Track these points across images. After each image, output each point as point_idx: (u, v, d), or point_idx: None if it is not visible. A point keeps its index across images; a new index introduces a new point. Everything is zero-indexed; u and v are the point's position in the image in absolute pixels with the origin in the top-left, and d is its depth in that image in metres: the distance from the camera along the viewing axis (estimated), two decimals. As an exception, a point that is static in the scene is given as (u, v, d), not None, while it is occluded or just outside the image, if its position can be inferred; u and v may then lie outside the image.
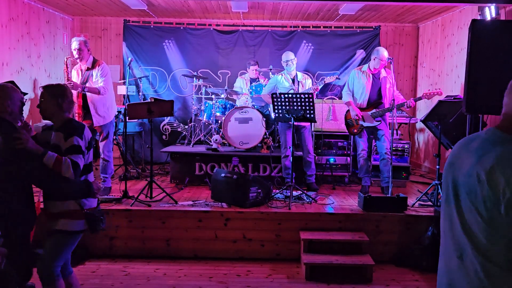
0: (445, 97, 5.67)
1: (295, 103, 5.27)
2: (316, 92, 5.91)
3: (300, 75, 5.99)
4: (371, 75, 5.55)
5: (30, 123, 6.80)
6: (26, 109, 6.71)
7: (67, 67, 5.17)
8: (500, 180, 1.36)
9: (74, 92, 5.20)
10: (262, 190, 5.03)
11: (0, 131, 2.92)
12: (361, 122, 5.58)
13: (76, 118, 5.25)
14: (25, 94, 3.68)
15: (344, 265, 4.39)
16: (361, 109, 5.59)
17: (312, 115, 5.30)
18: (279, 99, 5.32)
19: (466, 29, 5.33)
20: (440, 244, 1.64)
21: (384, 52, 5.46)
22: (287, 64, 5.89)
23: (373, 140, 5.97)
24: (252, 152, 6.23)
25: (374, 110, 5.52)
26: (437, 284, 1.67)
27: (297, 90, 5.82)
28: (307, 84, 5.95)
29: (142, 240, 4.81)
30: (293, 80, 5.91)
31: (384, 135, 5.55)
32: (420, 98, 5.36)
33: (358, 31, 8.21)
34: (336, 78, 5.99)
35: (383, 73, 5.59)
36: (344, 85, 5.94)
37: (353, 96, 5.68)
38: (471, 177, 1.44)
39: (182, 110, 8.22)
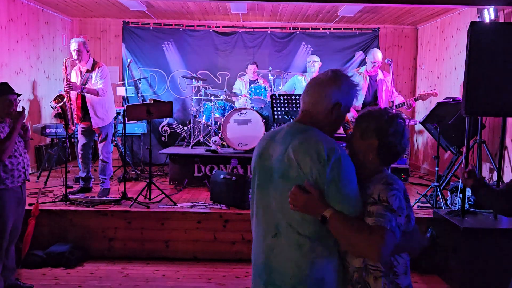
0: (444, 99, 5.67)
1: (294, 105, 5.28)
2: None
3: None
4: (367, 77, 5.57)
5: (29, 124, 6.82)
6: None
7: (66, 68, 5.17)
8: (306, 160, 1.62)
9: (73, 93, 5.21)
10: (261, 191, 5.02)
11: None
12: (357, 125, 5.58)
13: (75, 120, 5.25)
14: (19, 95, 3.66)
15: (343, 267, 4.37)
16: (357, 111, 5.60)
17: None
18: (278, 101, 5.32)
19: (465, 31, 5.35)
20: (256, 228, 1.82)
21: (376, 53, 5.48)
22: (308, 65, 5.93)
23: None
24: (251, 154, 6.21)
25: (370, 112, 5.53)
26: (252, 265, 1.84)
27: None
28: None
29: (141, 241, 4.80)
30: None
31: None
32: (417, 99, 5.38)
33: (357, 33, 8.22)
34: None
35: (380, 75, 5.61)
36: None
37: None
38: (282, 163, 1.68)
39: (181, 112, 8.22)
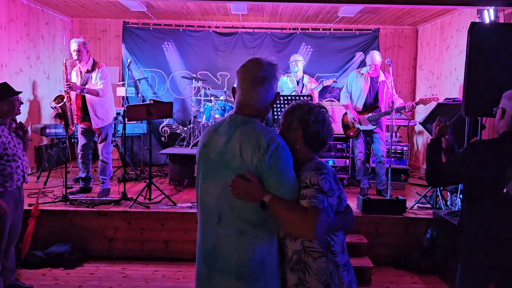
0: (444, 99, 5.67)
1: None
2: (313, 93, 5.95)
3: (306, 78, 6.03)
4: (369, 78, 5.56)
5: (29, 125, 6.81)
6: (24, 111, 6.71)
7: (66, 69, 5.16)
8: (248, 150, 1.75)
9: (73, 94, 5.20)
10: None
11: None
12: (357, 125, 5.58)
13: (75, 120, 5.25)
14: (16, 93, 3.65)
15: (343, 268, 4.37)
16: (358, 112, 5.59)
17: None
18: (278, 101, 5.32)
19: (465, 31, 5.35)
20: (201, 216, 1.92)
21: (373, 56, 5.48)
22: (291, 65, 5.95)
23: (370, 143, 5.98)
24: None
25: (370, 114, 5.52)
26: (197, 251, 1.94)
27: (300, 92, 5.84)
28: (310, 88, 5.97)
29: (141, 242, 4.80)
30: (298, 82, 5.94)
31: (380, 137, 5.56)
32: (418, 103, 5.39)
33: (357, 33, 8.22)
34: (334, 82, 6.06)
35: (381, 77, 5.60)
36: (343, 87, 5.96)
37: (350, 98, 5.69)
38: (225, 154, 1.80)
39: (181, 112, 8.22)
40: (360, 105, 5.60)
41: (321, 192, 1.76)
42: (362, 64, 7.99)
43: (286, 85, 5.95)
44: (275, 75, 1.90)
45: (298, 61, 5.94)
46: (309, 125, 1.91)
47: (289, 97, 5.32)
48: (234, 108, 1.94)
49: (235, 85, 1.95)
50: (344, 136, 6.04)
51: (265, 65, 1.88)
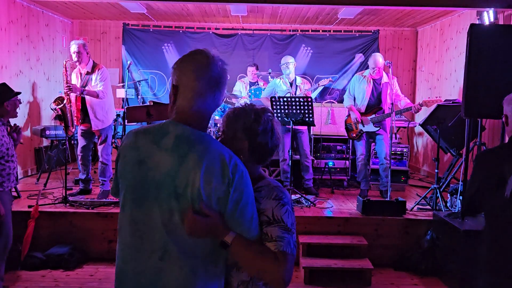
0: (444, 101, 5.68)
1: (294, 107, 5.28)
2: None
3: (299, 79, 6.01)
4: (371, 80, 5.56)
5: (29, 126, 6.81)
6: (24, 112, 6.71)
7: (66, 70, 5.17)
8: (211, 180, 1.45)
9: (73, 95, 5.20)
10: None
11: None
12: (360, 127, 5.58)
13: (75, 122, 5.25)
14: (18, 93, 3.65)
15: (343, 269, 4.38)
16: (360, 113, 5.59)
17: (311, 119, 5.30)
18: (278, 103, 5.32)
19: (464, 33, 5.36)
20: (132, 246, 1.64)
21: (376, 59, 5.48)
22: (282, 68, 5.94)
23: (372, 144, 5.97)
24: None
25: (373, 116, 5.52)
26: (128, 285, 1.69)
27: (294, 94, 5.84)
28: (304, 89, 5.97)
29: (140, 243, 4.79)
30: (291, 84, 5.93)
31: (383, 139, 5.55)
32: (421, 105, 5.39)
33: (357, 35, 8.24)
34: (330, 81, 6.05)
35: (385, 78, 5.59)
36: (343, 89, 5.96)
37: (354, 101, 5.68)
38: (178, 179, 1.46)
39: (181, 114, 8.21)
40: (362, 107, 5.60)
41: (287, 230, 1.58)
42: (362, 65, 8.01)
43: (279, 87, 5.93)
44: (226, 74, 1.61)
45: (290, 63, 5.91)
46: (257, 136, 1.68)
47: (287, 99, 5.32)
48: (174, 114, 1.60)
49: (174, 83, 1.59)
50: (344, 137, 6.04)
51: (218, 61, 1.56)
